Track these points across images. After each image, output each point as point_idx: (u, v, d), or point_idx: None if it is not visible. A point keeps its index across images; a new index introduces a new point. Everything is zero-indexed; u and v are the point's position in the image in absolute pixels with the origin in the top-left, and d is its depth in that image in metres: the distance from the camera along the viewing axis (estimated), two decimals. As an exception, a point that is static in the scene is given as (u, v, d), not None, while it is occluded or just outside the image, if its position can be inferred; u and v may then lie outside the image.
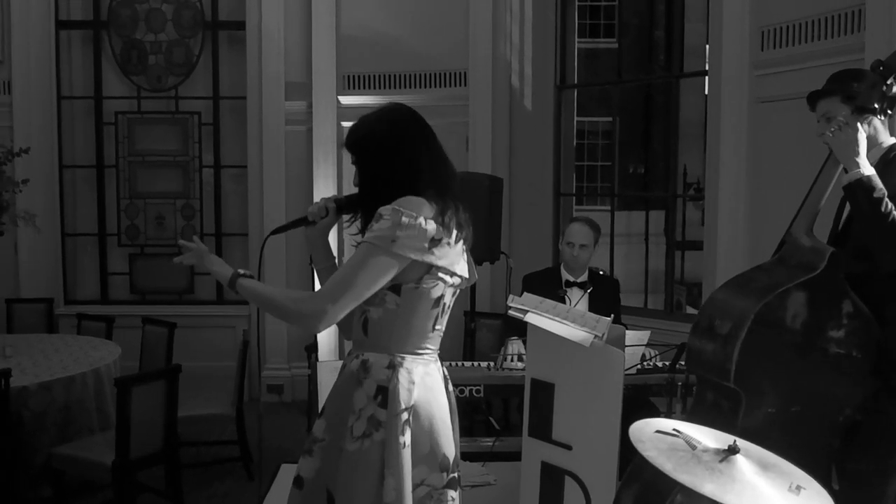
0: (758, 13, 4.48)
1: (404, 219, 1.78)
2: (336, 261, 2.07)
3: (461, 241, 1.89)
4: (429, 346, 1.91)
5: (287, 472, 4.14)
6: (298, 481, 1.93)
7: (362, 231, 1.94)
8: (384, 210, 1.80)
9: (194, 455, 4.53)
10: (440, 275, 1.85)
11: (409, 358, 1.87)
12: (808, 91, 2.54)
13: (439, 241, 1.81)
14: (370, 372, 1.87)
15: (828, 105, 2.43)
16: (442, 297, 1.89)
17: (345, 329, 1.98)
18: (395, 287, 1.83)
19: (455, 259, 1.87)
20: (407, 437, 1.82)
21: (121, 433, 3.53)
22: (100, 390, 4.23)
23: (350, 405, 1.86)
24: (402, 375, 1.85)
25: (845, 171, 2.24)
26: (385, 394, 1.83)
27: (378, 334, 1.88)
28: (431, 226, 1.80)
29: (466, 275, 1.93)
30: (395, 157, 1.87)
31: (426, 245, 1.79)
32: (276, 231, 2.05)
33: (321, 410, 1.98)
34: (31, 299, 5.77)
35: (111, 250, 6.28)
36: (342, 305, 1.79)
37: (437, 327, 1.92)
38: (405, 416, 1.82)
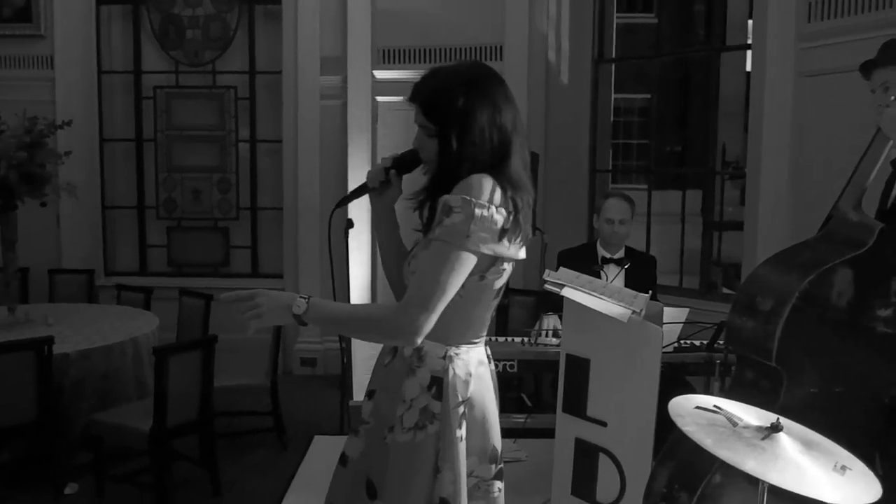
0: (805, -17, 4.35)
1: (477, 210, 1.64)
2: (382, 238, 1.95)
3: (525, 227, 1.76)
4: (483, 333, 1.85)
5: (319, 444, 4.19)
6: (343, 458, 1.90)
7: (419, 208, 1.81)
8: (453, 201, 1.66)
9: (228, 425, 4.60)
10: (504, 265, 1.76)
11: (464, 348, 1.80)
12: (857, 64, 2.47)
13: (507, 230, 1.70)
14: (424, 361, 1.78)
15: (886, 74, 2.35)
16: (502, 286, 1.81)
17: (395, 293, 1.91)
18: None
19: (518, 247, 1.77)
20: (463, 431, 1.77)
21: (158, 401, 3.59)
22: (138, 359, 4.31)
23: (400, 393, 1.78)
24: (459, 367, 1.77)
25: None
26: (440, 385, 1.75)
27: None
28: (502, 214, 1.68)
29: (523, 256, 1.82)
30: (486, 127, 1.71)
31: (497, 237, 1.68)
32: (339, 204, 1.92)
33: (369, 391, 1.91)
34: (73, 270, 5.87)
35: (149, 223, 6.37)
36: (436, 312, 1.67)
37: (492, 314, 1.86)
38: (462, 409, 1.76)
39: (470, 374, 1.79)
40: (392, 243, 1.96)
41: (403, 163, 1.85)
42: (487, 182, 1.68)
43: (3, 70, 6.08)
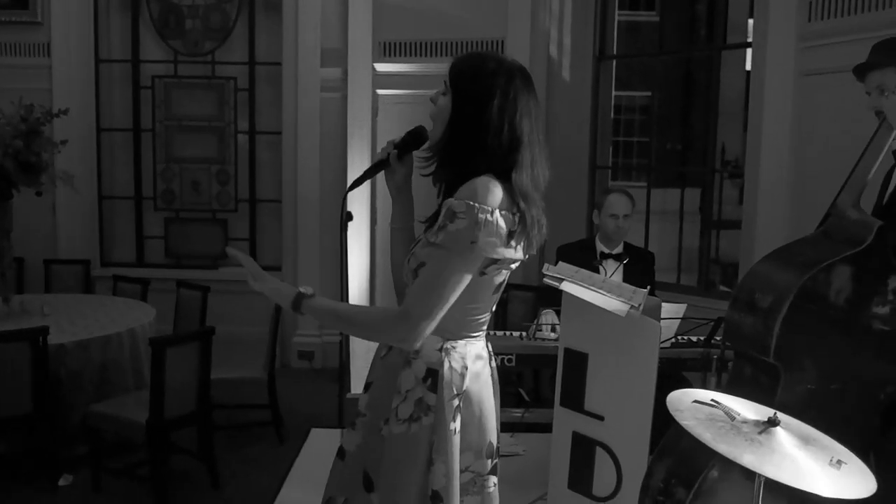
0: (806, -18, 4.35)
1: (480, 216, 1.64)
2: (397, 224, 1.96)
3: (531, 239, 1.75)
4: (482, 329, 1.85)
5: (316, 437, 4.19)
6: (341, 452, 1.90)
7: (432, 174, 1.80)
8: (457, 206, 1.65)
9: (226, 417, 4.60)
10: (510, 265, 1.77)
11: (461, 342, 1.79)
12: (857, 63, 2.47)
13: (514, 233, 1.69)
14: (421, 353, 1.77)
15: (881, 77, 2.36)
16: (503, 282, 1.82)
17: (400, 295, 1.91)
18: None
19: (524, 250, 1.76)
20: (457, 424, 1.76)
21: (155, 393, 3.58)
22: (135, 350, 4.30)
23: (395, 384, 1.79)
24: (455, 360, 1.77)
25: None
26: (435, 377, 1.75)
27: None
28: (508, 219, 1.67)
29: (526, 256, 1.82)
30: (499, 116, 1.70)
31: (505, 241, 1.68)
32: (352, 187, 1.92)
33: (366, 384, 1.91)
34: (69, 260, 5.87)
35: (147, 214, 6.35)
36: (437, 318, 1.69)
37: (493, 308, 1.86)
38: (456, 402, 1.76)
39: (466, 368, 1.78)
40: (402, 232, 1.95)
41: (405, 142, 1.86)
42: (494, 186, 1.68)
43: (-1, 57, 6.06)
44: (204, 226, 6.30)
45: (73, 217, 6.09)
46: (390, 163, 1.88)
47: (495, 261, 1.72)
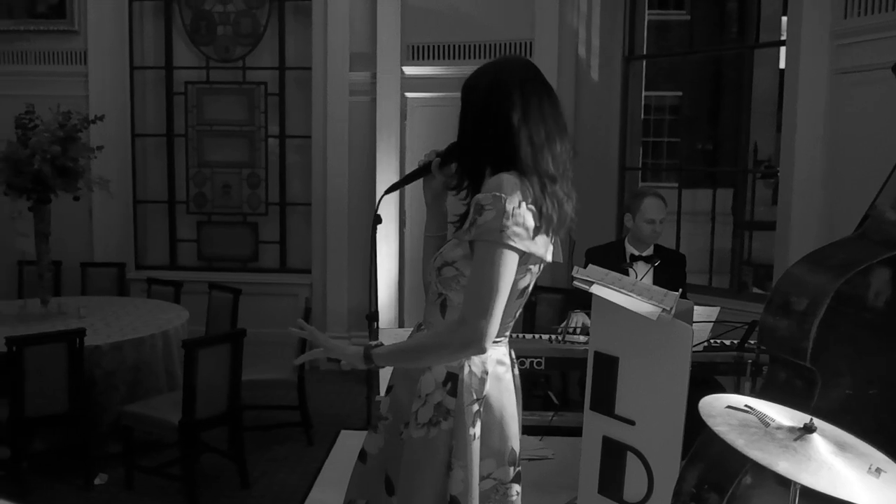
0: (842, -21, 4.28)
1: (508, 206, 1.64)
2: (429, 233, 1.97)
3: (553, 231, 1.75)
4: (505, 334, 1.83)
5: (346, 439, 4.21)
6: (363, 455, 1.91)
7: (457, 186, 1.84)
8: (483, 199, 1.66)
9: (256, 418, 4.64)
10: (531, 266, 1.75)
11: None
12: (893, 61, 2.42)
13: (539, 228, 1.69)
14: None
15: None
16: (528, 286, 1.80)
17: (425, 291, 1.91)
18: None
19: (546, 247, 1.76)
20: (477, 429, 1.75)
21: (187, 394, 3.63)
22: (168, 352, 4.36)
23: (415, 388, 1.78)
24: (476, 365, 1.76)
25: None
26: (455, 381, 1.74)
27: None
28: (531, 211, 1.67)
29: (551, 259, 1.81)
30: (487, 113, 1.74)
31: (530, 234, 1.67)
32: (390, 190, 1.95)
33: (388, 387, 1.91)
34: (104, 263, 5.96)
35: (180, 217, 6.43)
36: (497, 314, 1.66)
37: (517, 314, 1.84)
38: (476, 406, 1.75)
39: (486, 373, 1.77)
40: (436, 240, 1.95)
41: (449, 152, 1.88)
42: (517, 180, 1.68)
43: (37, 65, 6.16)
44: (235, 229, 6.37)
45: (108, 221, 6.19)
46: (431, 170, 1.89)
47: (521, 254, 1.70)
